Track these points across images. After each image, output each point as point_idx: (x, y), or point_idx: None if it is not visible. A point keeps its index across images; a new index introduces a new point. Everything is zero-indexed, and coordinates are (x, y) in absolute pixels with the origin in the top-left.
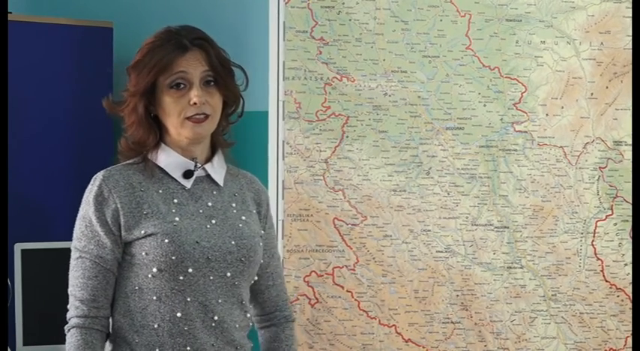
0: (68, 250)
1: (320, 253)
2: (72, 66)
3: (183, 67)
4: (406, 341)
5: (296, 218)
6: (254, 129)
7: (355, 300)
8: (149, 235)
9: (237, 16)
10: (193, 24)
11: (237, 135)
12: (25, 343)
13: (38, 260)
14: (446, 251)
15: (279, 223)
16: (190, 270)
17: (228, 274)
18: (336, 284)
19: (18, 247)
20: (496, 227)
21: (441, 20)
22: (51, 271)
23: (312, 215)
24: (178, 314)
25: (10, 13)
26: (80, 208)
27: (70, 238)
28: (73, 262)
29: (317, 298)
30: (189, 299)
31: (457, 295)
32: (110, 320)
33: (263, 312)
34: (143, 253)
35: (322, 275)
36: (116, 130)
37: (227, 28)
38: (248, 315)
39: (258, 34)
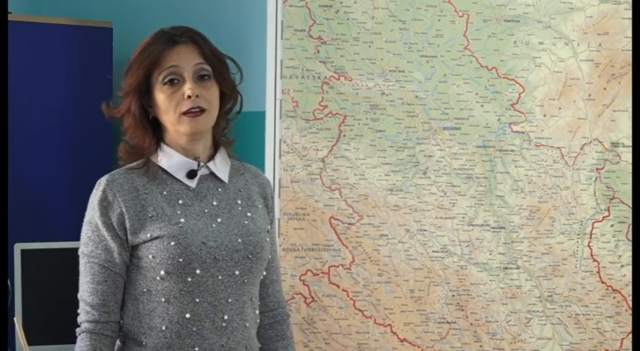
0: (68, 251)
1: (316, 251)
2: (71, 66)
3: (174, 61)
4: (401, 341)
5: (292, 217)
6: (251, 127)
7: (351, 299)
8: (155, 238)
9: (235, 14)
10: (192, 23)
11: (234, 133)
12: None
13: (38, 260)
14: (442, 251)
15: (276, 221)
16: (198, 271)
17: (237, 273)
18: (332, 283)
19: (18, 247)
20: (492, 228)
21: (439, 20)
22: (51, 271)
23: (308, 214)
24: (187, 315)
25: (10, 13)
26: (86, 214)
27: (69, 238)
28: (81, 268)
29: (312, 297)
30: (197, 300)
31: (453, 295)
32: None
33: (267, 308)
34: (150, 256)
35: (318, 274)
36: (116, 131)
37: (225, 27)
38: (257, 312)
39: (256, 32)
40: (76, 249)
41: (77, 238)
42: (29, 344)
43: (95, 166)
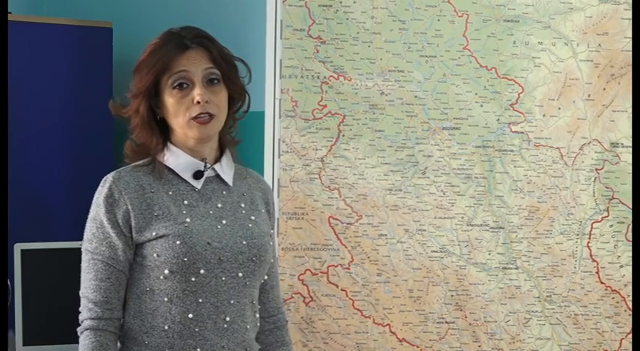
0: (68, 251)
1: (315, 251)
2: (72, 66)
3: (184, 65)
4: (400, 341)
5: (291, 216)
6: (250, 127)
7: (349, 299)
8: (160, 237)
9: (235, 14)
10: (192, 23)
11: (233, 132)
12: (25, 343)
13: (38, 260)
14: (441, 251)
15: (275, 221)
16: (202, 271)
17: (240, 275)
18: (331, 283)
19: (18, 247)
20: (491, 228)
21: (438, 20)
22: (51, 271)
23: (307, 214)
24: (190, 315)
25: (10, 13)
26: (90, 210)
27: (69, 238)
28: (84, 264)
29: (311, 297)
30: (200, 300)
31: (452, 295)
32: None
33: (267, 314)
34: (155, 255)
35: (317, 274)
36: (116, 131)
37: (225, 27)
38: (257, 315)
39: (256, 32)
40: (76, 249)
41: (77, 238)
42: (29, 344)
43: (95, 166)
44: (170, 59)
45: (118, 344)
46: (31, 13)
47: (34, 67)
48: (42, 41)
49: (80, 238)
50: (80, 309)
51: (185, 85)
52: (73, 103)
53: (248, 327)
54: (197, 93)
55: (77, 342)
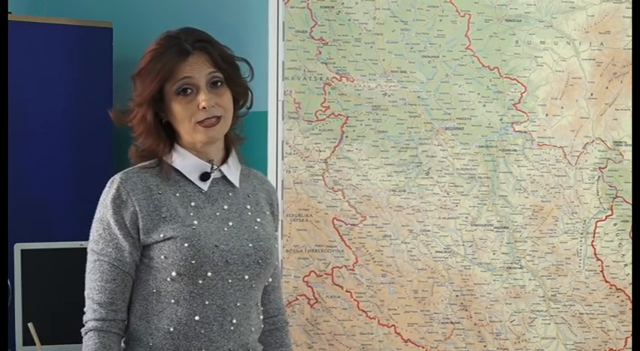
0: (68, 251)
1: (319, 253)
2: (72, 66)
3: (188, 72)
4: (405, 341)
5: (295, 218)
6: (253, 129)
7: (354, 300)
8: (168, 239)
9: (236, 16)
10: (193, 24)
11: (237, 130)
12: (25, 343)
13: (38, 260)
14: (445, 251)
15: (279, 223)
16: (209, 274)
17: (246, 277)
18: (336, 284)
19: (18, 247)
20: (496, 227)
21: (440, 20)
22: (51, 271)
23: (311, 215)
24: (196, 318)
25: (10, 13)
26: (97, 211)
27: (69, 238)
28: (90, 265)
29: (316, 298)
30: (207, 303)
31: (457, 296)
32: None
33: (267, 315)
34: (162, 257)
35: (321, 275)
36: (116, 131)
37: (226, 28)
38: (261, 317)
39: (258, 34)
40: (76, 249)
41: (77, 238)
42: (29, 344)
43: (95, 166)
44: (173, 66)
45: (122, 345)
46: (31, 13)
47: (34, 67)
48: (42, 41)
49: (80, 238)
50: (85, 310)
51: (189, 91)
52: (73, 104)
53: (253, 329)
54: (202, 99)
55: (77, 342)
